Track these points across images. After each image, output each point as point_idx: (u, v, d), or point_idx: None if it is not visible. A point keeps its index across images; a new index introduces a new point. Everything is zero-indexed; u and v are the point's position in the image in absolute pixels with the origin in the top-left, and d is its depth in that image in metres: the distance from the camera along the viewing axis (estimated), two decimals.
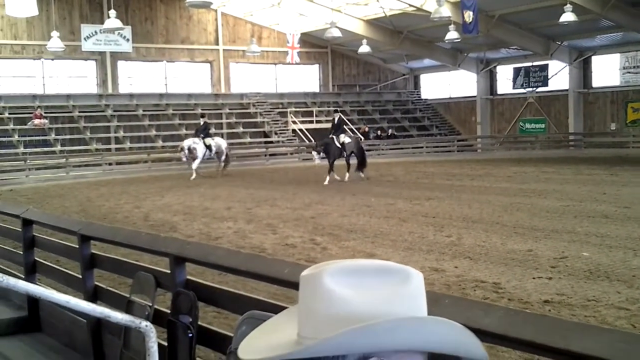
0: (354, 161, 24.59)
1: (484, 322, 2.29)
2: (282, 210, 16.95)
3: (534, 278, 8.92)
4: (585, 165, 27.00)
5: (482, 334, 2.15)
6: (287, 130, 39.80)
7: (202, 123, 28.87)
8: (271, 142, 38.51)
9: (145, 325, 3.84)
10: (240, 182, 24.82)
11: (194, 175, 26.79)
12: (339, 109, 29.11)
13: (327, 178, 23.49)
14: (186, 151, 26.99)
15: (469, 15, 30.83)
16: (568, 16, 29.36)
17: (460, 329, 1.13)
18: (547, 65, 39.20)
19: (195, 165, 27.15)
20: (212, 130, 31.78)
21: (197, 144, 27.31)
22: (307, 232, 13.40)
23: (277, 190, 21.72)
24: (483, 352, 1.15)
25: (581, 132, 38.33)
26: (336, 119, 25.22)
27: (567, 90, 38.47)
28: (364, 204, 17.34)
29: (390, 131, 41.23)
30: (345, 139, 24.45)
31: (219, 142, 28.52)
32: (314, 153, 24.52)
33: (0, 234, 8.41)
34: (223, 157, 28.38)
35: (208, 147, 27.56)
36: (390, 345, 1.08)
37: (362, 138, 39.81)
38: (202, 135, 27.68)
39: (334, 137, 24.34)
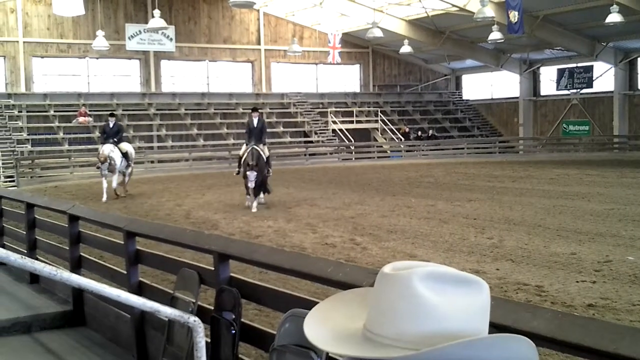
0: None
1: (531, 325, 2.27)
2: (322, 209, 16.96)
3: (577, 282, 8.80)
4: (629, 169, 26.54)
5: (530, 337, 2.12)
6: (327, 130, 39.81)
7: (111, 124, 21.40)
8: (311, 141, 38.56)
9: (193, 320, 3.88)
10: (280, 182, 24.91)
11: (105, 197, 20.45)
12: (258, 107, 20.54)
13: (255, 202, 17.42)
14: (108, 160, 20.44)
15: (514, 15, 30.46)
16: (614, 17, 28.85)
17: (533, 347, 1.20)
18: (591, 66, 38.56)
19: (114, 182, 20.76)
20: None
21: (114, 152, 20.69)
22: (347, 231, 13.41)
23: (316, 190, 21.75)
24: None
25: (626, 135, 37.63)
26: (255, 121, 18.09)
27: (612, 92, 37.82)
28: (404, 205, 17.28)
29: (430, 132, 40.97)
30: (265, 150, 18.14)
31: (130, 149, 22.06)
32: (250, 174, 16.92)
33: (46, 229, 8.57)
34: (130, 170, 21.96)
35: (125, 155, 21.16)
36: (482, 358, 1.13)
37: (403, 138, 39.76)
38: (115, 140, 21.10)
39: (258, 147, 17.60)
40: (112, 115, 22.21)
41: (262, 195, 17.73)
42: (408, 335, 1.15)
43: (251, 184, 17.01)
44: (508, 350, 1.14)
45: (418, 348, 1.14)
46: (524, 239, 11.88)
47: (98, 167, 20.78)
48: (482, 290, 1.20)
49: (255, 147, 17.42)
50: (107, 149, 20.59)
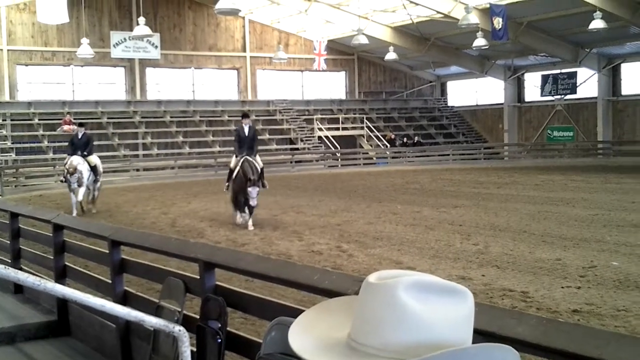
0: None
1: (516, 331, 2.27)
2: (308, 217, 16.95)
3: (562, 287, 8.83)
4: (614, 174, 26.70)
5: (515, 343, 2.13)
6: (313, 137, 39.84)
7: (80, 135, 19.92)
8: (297, 149, 38.56)
9: (178, 330, 3.87)
10: (266, 189, 24.82)
11: (75, 212, 18.77)
12: (249, 114, 18.03)
13: (247, 218, 15.63)
14: (77, 173, 18.85)
15: (498, 22, 30.67)
16: (597, 23, 29.11)
17: (517, 356, 1.20)
18: (575, 72, 38.81)
19: (80, 195, 19.18)
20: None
21: (82, 165, 19.15)
22: (333, 239, 13.40)
23: (302, 197, 21.73)
24: None
25: (610, 140, 37.88)
26: (246, 129, 16.24)
27: (596, 97, 38.06)
28: (390, 212, 17.29)
29: (416, 138, 41.10)
30: (259, 160, 16.35)
31: (98, 162, 20.26)
32: (252, 190, 15.12)
33: (31, 239, 8.50)
34: (99, 184, 20.26)
35: (93, 168, 19.61)
36: None
37: (388, 145, 39.83)
38: (84, 153, 19.47)
39: (251, 157, 15.86)
40: (81, 125, 20.95)
41: (247, 212, 15.59)
42: (392, 345, 1.15)
43: (253, 202, 15.14)
44: (492, 359, 1.14)
45: (402, 358, 1.14)
46: (510, 245, 11.91)
47: (64, 180, 19.27)
48: (466, 299, 1.20)
49: (248, 158, 15.65)
50: (76, 160, 19.14)
